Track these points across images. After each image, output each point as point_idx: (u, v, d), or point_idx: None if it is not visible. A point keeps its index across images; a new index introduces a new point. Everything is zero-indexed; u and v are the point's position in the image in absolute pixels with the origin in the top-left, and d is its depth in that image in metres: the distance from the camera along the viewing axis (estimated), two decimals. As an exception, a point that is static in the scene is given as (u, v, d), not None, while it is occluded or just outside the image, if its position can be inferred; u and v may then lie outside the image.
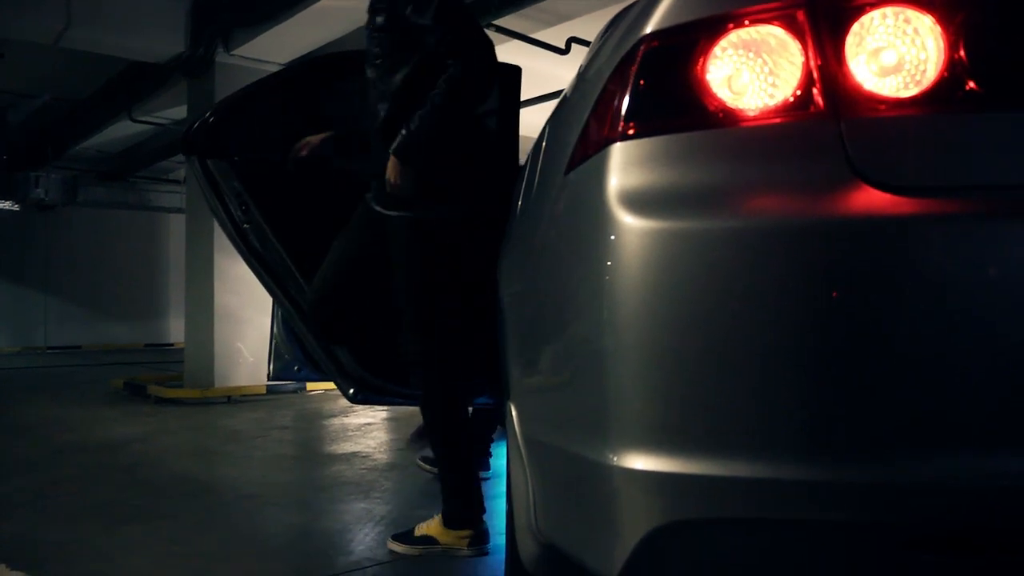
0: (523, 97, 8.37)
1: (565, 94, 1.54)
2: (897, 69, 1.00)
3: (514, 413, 1.47)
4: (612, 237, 1.03)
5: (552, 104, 1.70)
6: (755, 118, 1.03)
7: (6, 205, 12.39)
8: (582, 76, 1.40)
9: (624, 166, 1.06)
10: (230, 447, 4.41)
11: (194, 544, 2.54)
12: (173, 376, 7.59)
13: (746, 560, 1.02)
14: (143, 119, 9.32)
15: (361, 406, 6.01)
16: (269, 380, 3.84)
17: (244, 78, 6.82)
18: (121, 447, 4.30)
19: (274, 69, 7.05)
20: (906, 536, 0.94)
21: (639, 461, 1.00)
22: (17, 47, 7.83)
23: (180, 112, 8.30)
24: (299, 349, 3.51)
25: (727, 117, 1.04)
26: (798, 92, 1.02)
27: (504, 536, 1.97)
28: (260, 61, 6.94)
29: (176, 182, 14.19)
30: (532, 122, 8.70)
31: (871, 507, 0.93)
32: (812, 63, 1.01)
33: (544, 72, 7.73)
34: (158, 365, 9.59)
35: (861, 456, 0.93)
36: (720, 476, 0.97)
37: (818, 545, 0.97)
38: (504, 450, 3.19)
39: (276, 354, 3.62)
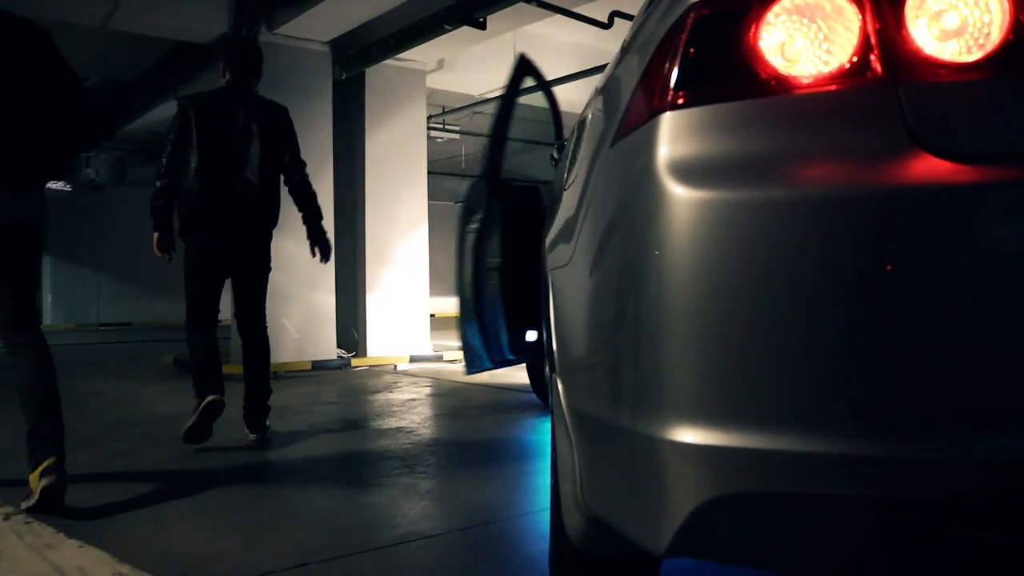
0: (565, 72, 8.30)
1: (610, 66, 1.52)
2: (959, 32, 0.97)
3: (560, 387, 1.46)
4: (662, 207, 1.02)
5: (594, 79, 1.68)
6: (809, 85, 1.00)
7: (59, 185, 12.66)
8: (628, 47, 1.38)
9: (674, 136, 1.05)
10: (277, 422, 4.48)
11: (244, 515, 2.59)
12: (220, 352, 7.72)
13: (796, 535, 1.01)
14: (189, 99, 9.43)
15: (405, 382, 6.06)
16: (468, 374, 4.19)
17: (287, 57, 6.91)
18: (172, 421, 4.39)
19: (317, 48, 7.09)
20: (958, 514, 0.92)
21: (688, 434, 0.99)
22: (66, 30, 7.95)
23: (225, 92, 8.39)
24: (483, 340, 3.75)
25: (780, 85, 1.01)
26: (855, 58, 0.99)
27: (548, 510, 1.98)
28: (303, 40, 6.98)
29: (221, 161, 14.34)
30: (574, 98, 8.66)
31: (924, 484, 0.91)
32: (869, 27, 0.98)
33: (586, 46, 7.67)
34: (206, 342, 9.76)
35: (915, 432, 0.91)
36: (771, 450, 0.95)
37: (870, 521, 0.96)
38: (548, 425, 3.15)
39: (466, 349, 3.80)
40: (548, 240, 1.75)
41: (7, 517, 2.53)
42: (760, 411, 0.97)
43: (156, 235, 3.70)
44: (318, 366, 6.88)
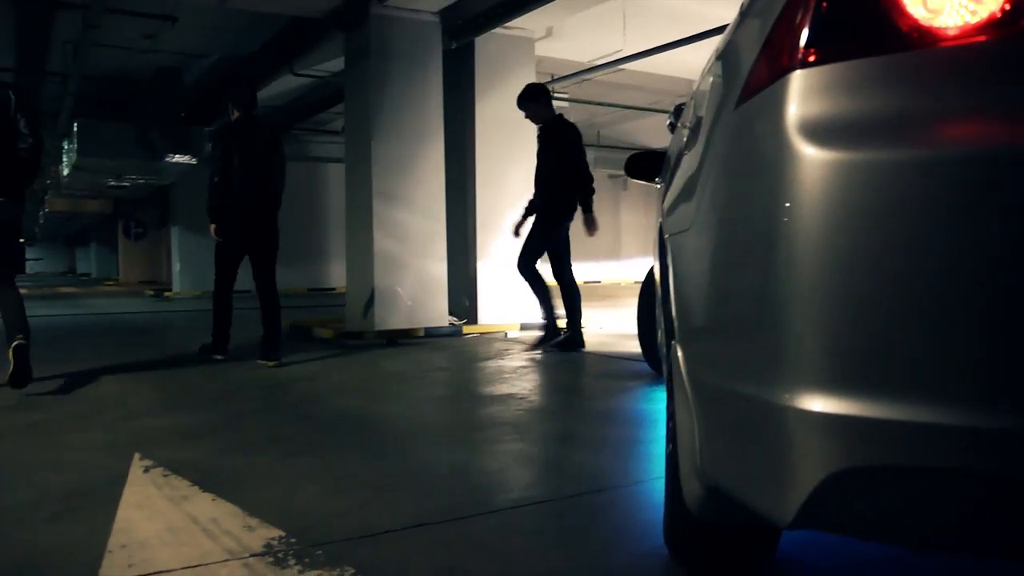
0: (677, 37, 8.08)
1: (730, 29, 1.48)
2: None
3: (680, 355, 1.45)
4: (791, 169, 0.98)
5: (707, 43, 1.63)
6: (955, 38, 0.95)
7: (185, 159, 13.25)
8: (749, 8, 1.34)
9: (805, 95, 1.01)
10: (391, 387, 4.61)
11: (359, 476, 2.68)
12: (335, 319, 7.98)
13: (930, 511, 0.97)
14: (304, 72, 9.71)
15: (515, 350, 6.12)
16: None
17: (398, 28, 6.99)
18: (290, 385, 4.58)
19: (427, 18, 7.15)
20: None
21: (817, 403, 0.97)
22: (188, 10, 8.31)
23: (338, 64, 8.58)
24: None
25: (922, 38, 0.96)
26: (1007, 6, 0.92)
27: (663, 479, 1.96)
28: (413, 11, 7.05)
29: (335, 132, 14.73)
30: (687, 61, 8.39)
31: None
32: None
33: (694, 11, 7.47)
34: (321, 308, 10.11)
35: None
36: (904, 421, 0.92)
37: (1004, 499, 0.91)
38: (660, 394, 3.11)
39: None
40: (666, 205, 1.72)
41: (147, 470, 2.70)
42: (892, 381, 0.93)
43: (214, 227, 5.44)
44: (430, 333, 7.02)
